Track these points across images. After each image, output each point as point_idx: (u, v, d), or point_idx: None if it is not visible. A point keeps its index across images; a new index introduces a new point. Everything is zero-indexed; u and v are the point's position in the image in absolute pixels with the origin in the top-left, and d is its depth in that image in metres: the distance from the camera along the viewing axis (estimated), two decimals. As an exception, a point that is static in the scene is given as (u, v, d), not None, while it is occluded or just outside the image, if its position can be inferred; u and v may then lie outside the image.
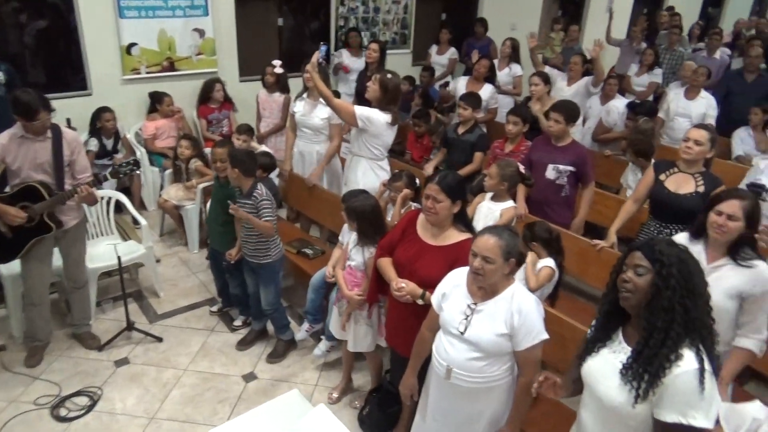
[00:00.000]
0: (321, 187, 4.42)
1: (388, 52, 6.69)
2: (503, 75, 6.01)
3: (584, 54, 5.64)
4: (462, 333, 2.18)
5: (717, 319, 2.33)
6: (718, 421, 2.06)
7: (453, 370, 2.20)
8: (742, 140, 5.26)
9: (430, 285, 2.48)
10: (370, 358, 3.23)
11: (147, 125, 5.50)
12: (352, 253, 3.08)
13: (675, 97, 5.43)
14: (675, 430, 1.61)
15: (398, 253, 2.68)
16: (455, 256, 2.49)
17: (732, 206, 2.32)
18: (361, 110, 3.73)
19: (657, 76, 6.43)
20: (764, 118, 5.11)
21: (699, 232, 2.47)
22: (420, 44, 7.09)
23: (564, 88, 5.37)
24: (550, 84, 5.06)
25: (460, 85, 5.50)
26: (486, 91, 5.37)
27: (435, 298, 2.33)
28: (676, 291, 1.61)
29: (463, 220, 2.63)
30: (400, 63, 6.92)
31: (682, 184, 3.21)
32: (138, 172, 3.60)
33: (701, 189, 3.12)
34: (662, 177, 3.30)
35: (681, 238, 2.59)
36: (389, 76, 3.74)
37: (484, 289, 2.18)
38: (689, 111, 5.28)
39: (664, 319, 1.62)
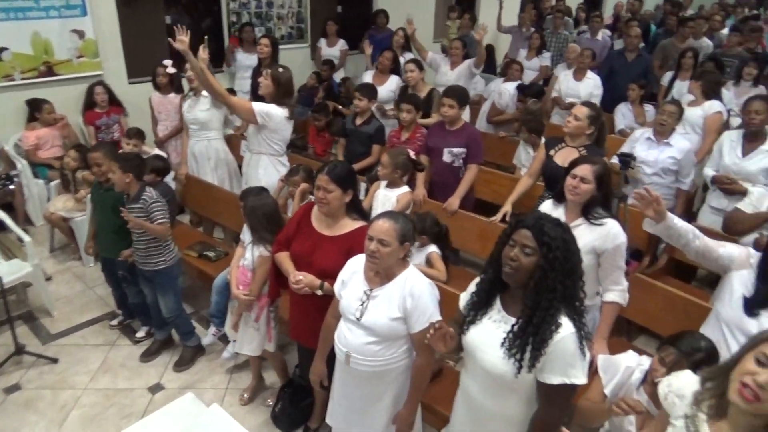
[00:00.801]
0: (219, 187, 4.33)
1: (286, 46, 6.62)
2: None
3: (464, 40, 5.83)
4: (359, 319, 2.23)
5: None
6: (596, 372, 2.23)
7: (352, 356, 2.26)
8: (623, 115, 5.64)
9: (328, 275, 2.52)
10: (271, 357, 3.22)
11: (27, 135, 5.11)
12: (247, 251, 3.04)
13: (564, 79, 5.76)
14: (559, 389, 1.75)
15: (295, 247, 2.69)
16: (350, 245, 2.53)
17: (584, 170, 2.53)
18: (259, 106, 3.71)
19: (546, 59, 6.77)
20: (640, 93, 5.50)
21: (560, 197, 2.68)
22: (318, 38, 7.04)
23: (447, 72, 5.53)
24: (425, 70, 5.16)
25: (367, 79, 5.52)
26: (392, 82, 5.40)
27: (336, 286, 2.36)
28: (559, 273, 1.74)
29: (357, 209, 2.67)
30: (298, 57, 6.85)
31: (568, 157, 3.39)
32: (12, 186, 3.36)
33: None
34: (552, 152, 3.51)
35: (547, 204, 2.80)
36: (281, 70, 3.74)
37: (380, 274, 2.24)
38: (578, 92, 5.62)
39: (547, 298, 1.74)
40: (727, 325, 2.24)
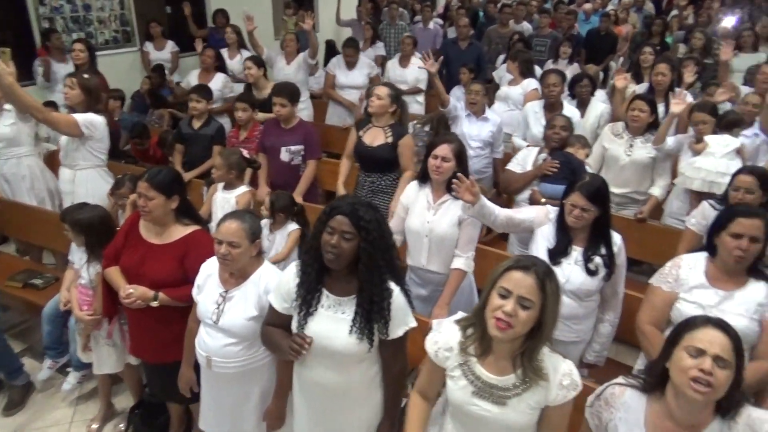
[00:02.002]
0: (41, 208, 3.98)
1: (111, 52, 6.22)
2: (236, 63, 5.97)
3: (298, 34, 5.88)
4: (216, 322, 2.22)
5: (446, 246, 2.78)
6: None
7: (212, 359, 2.24)
8: (457, 98, 5.98)
9: (162, 285, 2.46)
10: (126, 376, 3.06)
11: None
12: (82, 270, 2.87)
13: (392, 66, 6.01)
14: (403, 338, 1.95)
15: (124, 260, 2.57)
16: (184, 251, 2.49)
17: (444, 149, 2.70)
18: (82, 117, 3.55)
19: (380, 49, 7.00)
20: (471, 76, 5.88)
21: (424, 177, 2.84)
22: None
23: (285, 67, 5.56)
24: (264, 67, 5.15)
25: (192, 79, 5.35)
26: (218, 80, 5.30)
27: (193, 291, 2.33)
28: (380, 250, 1.87)
29: (188, 214, 2.61)
30: (127, 63, 6.43)
31: (375, 137, 3.62)
32: None
33: (390, 140, 3.57)
34: (361, 133, 3.68)
35: (412, 186, 2.93)
36: (86, 76, 3.57)
37: (234, 274, 2.24)
38: (405, 77, 5.90)
39: (378, 274, 1.88)
40: None
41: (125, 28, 6.44)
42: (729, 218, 2.16)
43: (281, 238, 3.24)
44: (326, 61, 7.82)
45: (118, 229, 3.14)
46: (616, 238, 2.50)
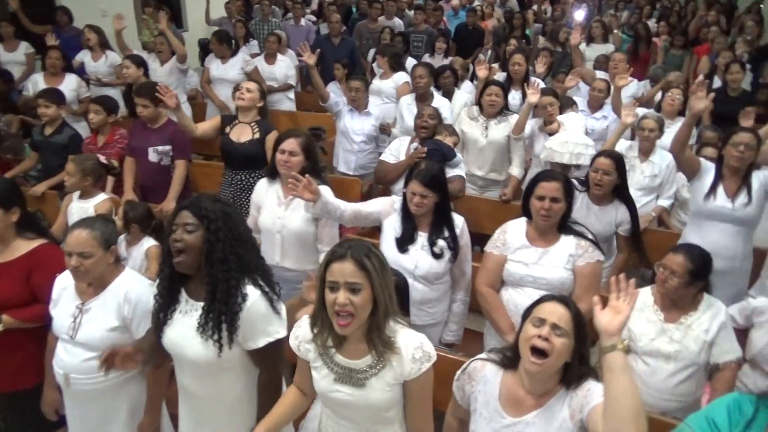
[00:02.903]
0: None
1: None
2: (101, 65, 5.61)
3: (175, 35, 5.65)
4: (72, 337, 2.09)
5: (300, 243, 2.73)
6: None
7: (71, 377, 2.11)
8: (334, 93, 6.02)
9: (7, 307, 2.27)
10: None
11: None
12: None
13: (259, 62, 5.93)
14: (267, 348, 1.85)
15: (-42, 284, 2.31)
16: (29, 267, 2.32)
17: (290, 144, 2.70)
18: None
19: (254, 47, 6.87)
20: (345, 72, 5.93)
21: (273, 173, 2.82)
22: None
23: (158, 69, 5.36)
24: (145, 67, 4.91)
25: (38, 83, 4.93)
26: (70, 81, 4.98)
27: (50, 306, 2.19)
28: (226, 242, 1.79)
29: (31, 227, 2.43)
30: (-34, 67, 5.77)
31: (242, 133, 3.57)
32: None
33: (257, 136, 3.55)
34: (227, 129, 3.62)
35: (262, 183, 2.90)
36: None
37: (92, 284, 2.12)
38: (274, 74, 5.89)
39: (223, 270, 1.79)
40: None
41: (-40, 29, 5.76)
42: (534, 183, 2.42)
43: (138, 254, 3.05)
44: (201, 61, 7.55)
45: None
46: (458, 221, 2.62)
